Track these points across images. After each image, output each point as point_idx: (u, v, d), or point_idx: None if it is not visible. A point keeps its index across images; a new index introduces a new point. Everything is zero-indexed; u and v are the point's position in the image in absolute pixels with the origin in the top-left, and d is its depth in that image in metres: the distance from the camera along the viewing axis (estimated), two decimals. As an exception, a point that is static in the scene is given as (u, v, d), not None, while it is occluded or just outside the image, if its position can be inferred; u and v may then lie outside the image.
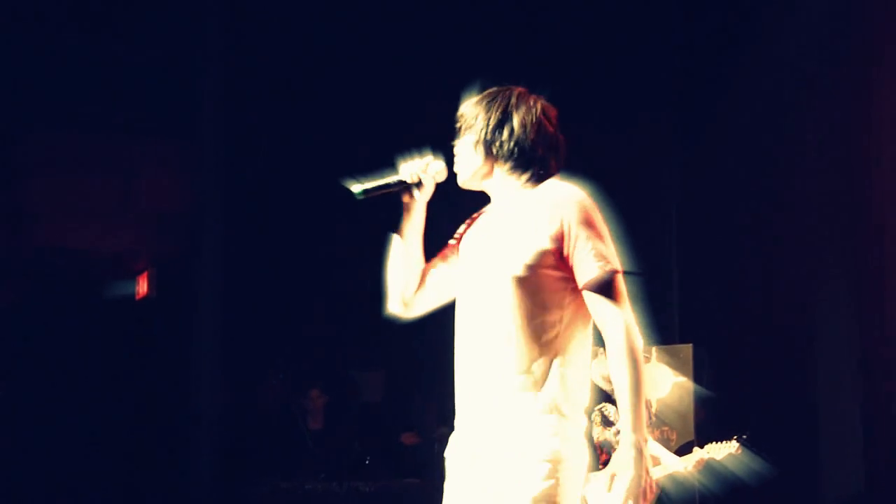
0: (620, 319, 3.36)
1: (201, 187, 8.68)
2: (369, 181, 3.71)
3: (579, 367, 3.49)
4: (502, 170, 3.59)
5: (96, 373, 8.88)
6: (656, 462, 6.29)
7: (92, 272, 9.08)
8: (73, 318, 8.95)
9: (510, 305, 3.42)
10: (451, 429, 3.67)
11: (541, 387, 3.40)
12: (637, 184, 8.96)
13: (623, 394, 3.34)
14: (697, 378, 7.98)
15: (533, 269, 3.40)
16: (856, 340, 7.80)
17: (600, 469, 6.11)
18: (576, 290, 3.42)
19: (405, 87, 8.73)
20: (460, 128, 3.67)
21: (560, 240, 3.40)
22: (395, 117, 8.56)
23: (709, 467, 6.36)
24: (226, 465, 8.58)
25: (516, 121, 3.56)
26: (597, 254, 3.37)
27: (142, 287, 8.98)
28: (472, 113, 3.64)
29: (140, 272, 8.99)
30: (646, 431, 3.35)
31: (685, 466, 6.29)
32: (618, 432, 6.25)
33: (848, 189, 8.09)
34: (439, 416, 9.39)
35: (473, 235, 3.69)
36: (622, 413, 3.35)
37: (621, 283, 3.40)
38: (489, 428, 3.47)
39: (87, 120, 8.90)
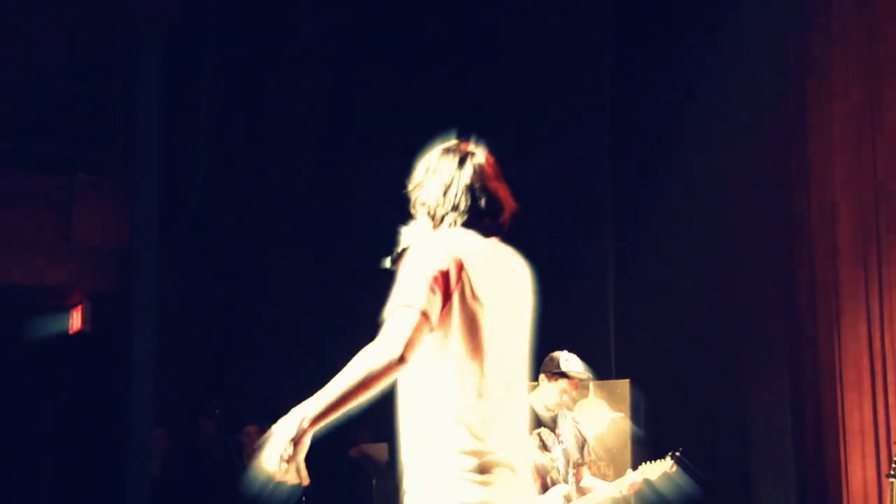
0: (375, 342, 3.30)
1: (136, 222, 8.65)
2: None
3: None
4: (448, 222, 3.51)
5: (30, 408, 8.79)
6: (586, 492, 6.38)
7: (26, 306, 8.99)
8: (6, 352, 8.86)
9: None
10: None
11: None
12: (573, 220, 9.06)
13: (327, 387, 3.30)
14: (634, 413, 8.08)
15: None
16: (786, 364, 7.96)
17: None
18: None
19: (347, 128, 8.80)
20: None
21: None
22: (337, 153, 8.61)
23: (644, 489, 6.44)
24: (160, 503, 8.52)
25: (433, 184, 3.52)
26: (394, 294, 3.34)
27: (75, 322, 8.90)
28: (413, 179, 3.60)
29: (74, 306, 8.91)
30: (328, 417, 3.29)
31: (619, 490, 6.39)
32: (554, 458, 6.32)
33: (779, 218, 8.27)
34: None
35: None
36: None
37: (400, 317, 3.28)
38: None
39: (22, 154, 8.85)
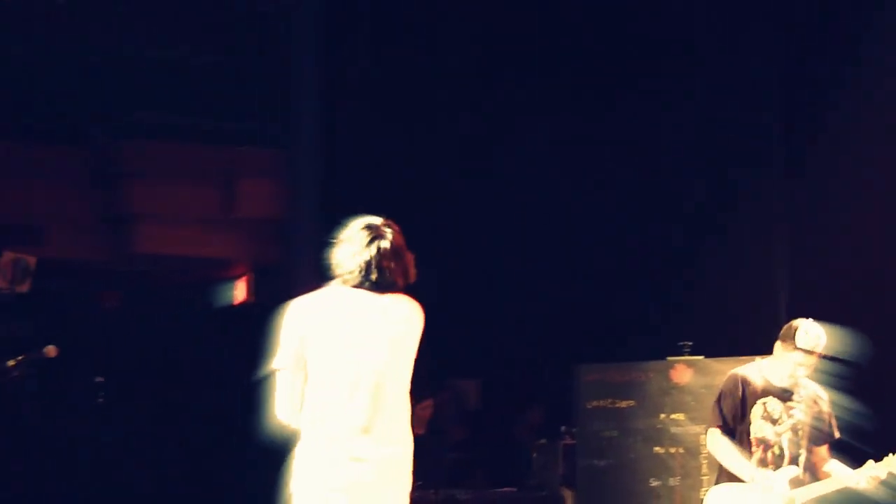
0: None
1: (298, 194, 8.70)
2: None
3: None
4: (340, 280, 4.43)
5: (197, 378, 8.96)
6: (822, 477, 5.91)
7: (191, 278, 9.15)
8: (175, 323, 9.04)
9: None
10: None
11: None
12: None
13: None
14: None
15: None
16: None
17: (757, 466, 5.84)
18: None
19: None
20: None
21: None
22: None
23: (889, 482, 5.88)
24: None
25: (344, 250, 4.41)
26: None
27: (240, 292, 9.03)
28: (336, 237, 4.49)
29: (238, 277, 9.04)
30: None
31: (857, 482, 5.85)
32: (779, 433, 5.92)
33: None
34: (537, 426, 9.32)
35: None
36: None
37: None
38: None
39: (188, 128, 8.99)
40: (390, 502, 4.32)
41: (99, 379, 8.63)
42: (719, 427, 5.99)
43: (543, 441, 8.73)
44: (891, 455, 5.77)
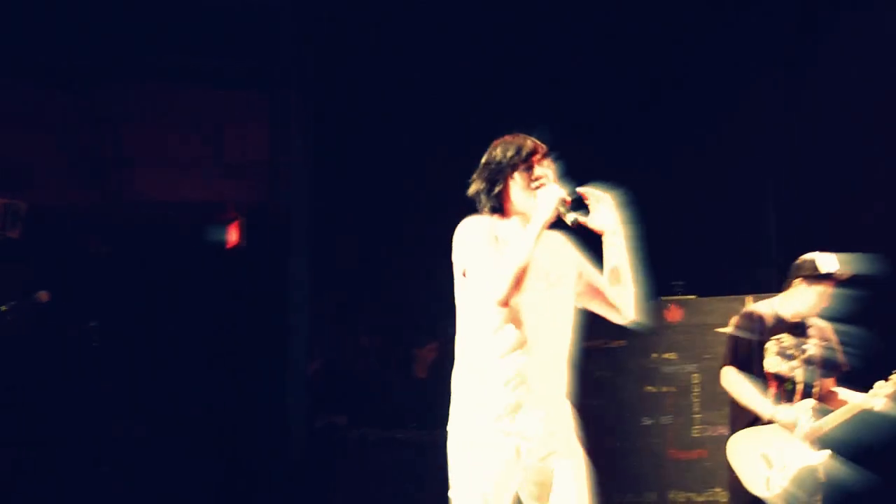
0: None
1: (288, 136, 8.67)
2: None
3: None
4: None
5: (190, 322, 8.96)
6: (843, 403, 5.99)
7: (182, 222, 9.12)
8: (166, 268, 9.02)
9: None
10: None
11: None
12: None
13: None
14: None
15: None
16: None
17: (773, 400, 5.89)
18: None
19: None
20: (546, 155, 4.33)
21: None
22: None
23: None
24: (319, 413, 8.63)
25: None
26: None
27: (232, 236, 9.01)
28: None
29: (231, 221, 9.01)
30: None
31: (873, 403, 5.91)
32: (794, 367, 5.98)
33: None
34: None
35: None
36: None
37: None
38: None
39: (180, 71, 8.93)
40: None
41: (93, 323, 8.63)
42: (734, 365, 6.03)
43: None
44: (895, 373, 5.88)
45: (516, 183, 4.25)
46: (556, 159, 4.32)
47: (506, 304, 4.07)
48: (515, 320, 4.13)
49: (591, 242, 4.41)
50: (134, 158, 9.03)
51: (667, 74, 9.02)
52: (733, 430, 6.08)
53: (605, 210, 4.27)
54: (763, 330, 6.03)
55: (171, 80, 8.88)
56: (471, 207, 4.30)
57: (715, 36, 8.91)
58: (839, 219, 8.12)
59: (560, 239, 4.38)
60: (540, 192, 4.18)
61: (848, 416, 5.97)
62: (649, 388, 8.22)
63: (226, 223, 9.03)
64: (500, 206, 4.28)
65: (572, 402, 4.31)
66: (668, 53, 8.95)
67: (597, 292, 4.40)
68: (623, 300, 4.37)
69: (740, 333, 6.06)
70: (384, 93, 8.92)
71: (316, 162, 8.72)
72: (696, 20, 8.91)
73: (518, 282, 4.04)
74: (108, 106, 9.01)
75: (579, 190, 4.24)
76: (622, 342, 8.17)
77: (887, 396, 5.89)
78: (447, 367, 4.23)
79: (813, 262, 5.97)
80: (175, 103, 9.01)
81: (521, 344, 4.13)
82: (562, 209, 4.14)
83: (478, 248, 4.14)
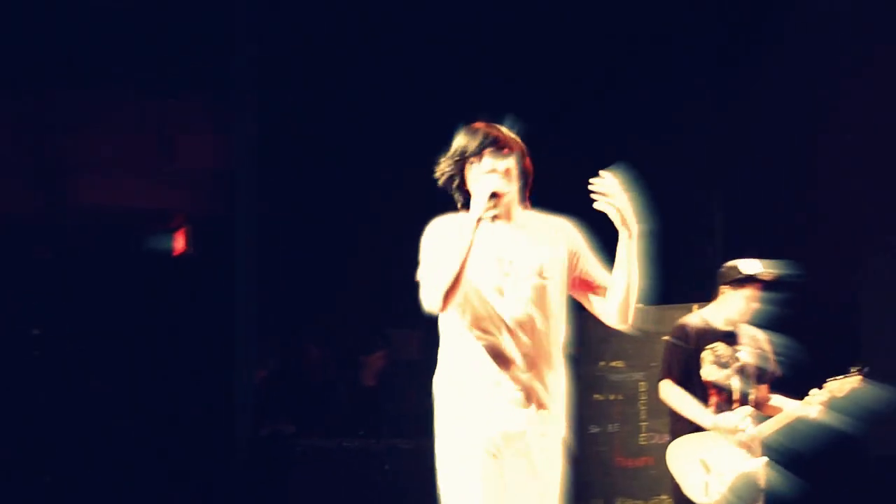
0: None
1: (234, 145, 8.66)
2: None
3: None
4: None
5: (136, 329, 8.90)
6: (778, 410, 6.03)
7: (129, 229, 9.08)
8: (112, 274, 8.97)
9: None
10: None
11: None
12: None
13: None
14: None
15: None
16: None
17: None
18: None
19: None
20: (501, 146, 3.95)
21: None
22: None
23: (833, 405, 5.99)
24: (265, 421, 8.60)
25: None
26: None
27: (179, 243, 8.97)
28: (510, 137, 3.99)
29: (177, 229, 8.98)
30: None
31: (808, 412, 5.96)
32: (728, 376, 6.02)
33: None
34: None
35: None
36: None
37: None
38: None
39: (127, 78, 8.89)
40: None
41: (35, 331, 8.56)
42: (670, 377, 6.07)
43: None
44: (828, 381, 5.94)
45: (471, 175, 3.96)
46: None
47: (443, 310, 3.84)
48: (480, 318, 3.89)
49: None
50: (80, 166, 8.97)
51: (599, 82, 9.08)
52: (673, 438, 6.11)
53: (618, 205, 3.94)
54: (697, 340, 6.07)
55: (119, 87, 8.84)
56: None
57: (650, 38, 8.97)
58: (786, 223, 8.26)
59: (558, 224, 4.08)
60: (474, 187, 3.92)
61: (784, 423, 6.04)
62: (597, 395, 8.25)
63: (172, 231, 9.00)
64: (467, 200, 3.96)
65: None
66: (598, 60, 9.00)
67: (589, 286, 4.18)
68: (616, 301, 4.23)
69: (675, 344, 6.11)
70: (332, 102, 8.91)
71: (263, 171, 8.70)
72: (636, 22, 8.97)
73: (450, 291, 3.78)
74: (54, 112, 8.96)
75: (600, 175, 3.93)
76: (570, 350, 8.19)
77: (821, 404, 5.95)
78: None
79: (736, 267, 6.05)
80: (122, 111, 8.97)
81: (493, 345, 3.90)
82: (489, 205, 3.82)
83: (424, 253, 3.92)
